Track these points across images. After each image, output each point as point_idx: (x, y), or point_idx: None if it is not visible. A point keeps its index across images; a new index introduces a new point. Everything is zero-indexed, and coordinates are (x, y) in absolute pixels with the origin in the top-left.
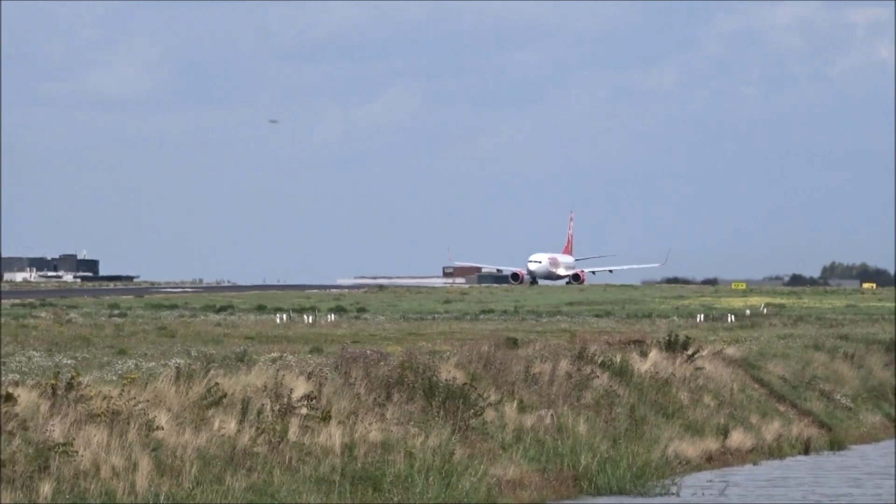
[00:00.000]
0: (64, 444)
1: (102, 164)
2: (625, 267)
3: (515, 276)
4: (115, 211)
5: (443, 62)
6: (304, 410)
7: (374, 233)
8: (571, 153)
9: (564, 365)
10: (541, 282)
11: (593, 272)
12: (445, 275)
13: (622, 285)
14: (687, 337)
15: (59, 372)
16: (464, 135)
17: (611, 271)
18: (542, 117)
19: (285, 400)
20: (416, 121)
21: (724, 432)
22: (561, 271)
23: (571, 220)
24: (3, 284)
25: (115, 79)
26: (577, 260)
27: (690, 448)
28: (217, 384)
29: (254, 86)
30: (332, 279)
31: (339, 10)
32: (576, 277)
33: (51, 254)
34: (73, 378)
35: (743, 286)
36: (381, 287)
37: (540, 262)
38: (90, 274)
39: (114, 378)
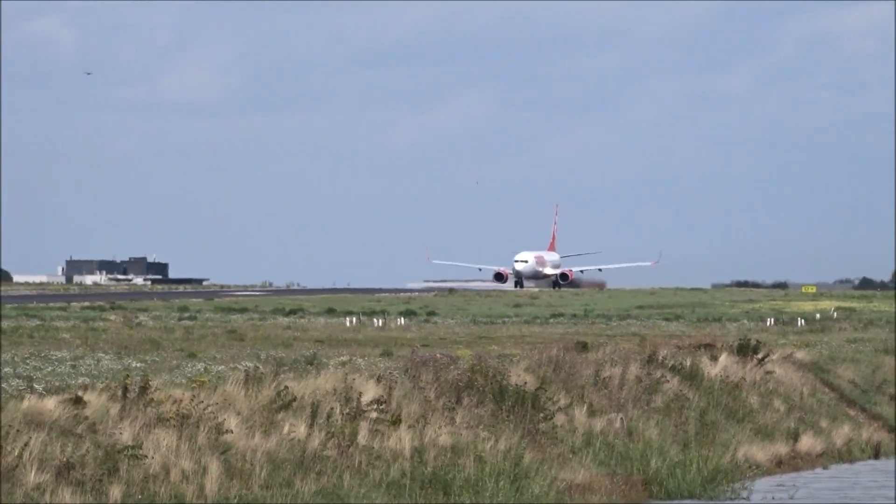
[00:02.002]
0: (133, 448)
1: (174, 168)
2: (614, 266)
3: (499, 276)
4: (186, 214)
5: (515, 67)
6: (373, 414)
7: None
8: (642, 158)
9: (634, 369)
10: (526, 282)
11: (581, 271)
12: None
13: (692, 289)
14: (758, 341)
15: (128, 375)
16: (535, 139)
17: (600, 269)
18: (614, 122)
19: (355, 403)
20: (489, 125)
21: (794, 436)
22: (548, 270)
23: (556, 214)
24: (73, 287)
25: (189, 84)
26: (562, 257)
27: (760, 452)
28: (287, 387)
29: (327, 91)
30: (402, 282)
31: (412, 15)
32: (563, 276)
33: (121, 257)
34: (142, 382)
35: (813, 290)
36: (451, 290)
37: (527, 262)
38: (160, 277)
39: (183, 381)
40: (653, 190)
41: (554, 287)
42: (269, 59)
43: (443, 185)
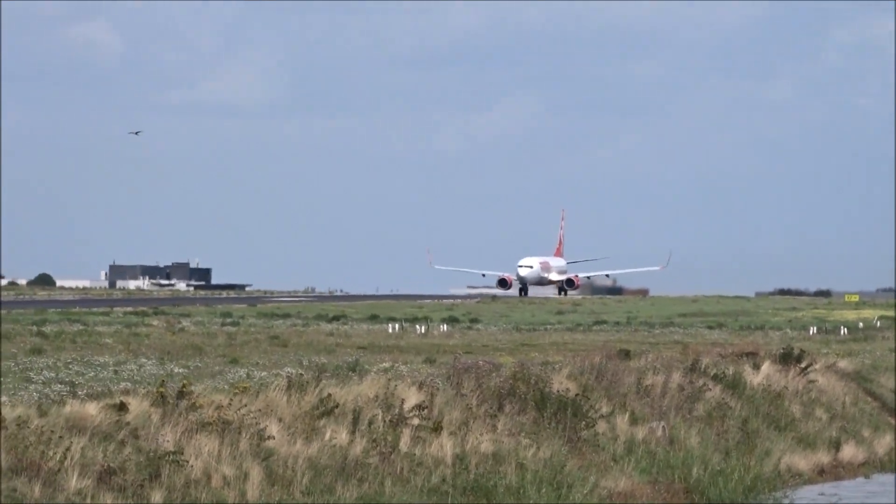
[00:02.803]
0: (175, 453)
1: (217, 172)
2: (622, 271)
3: (503, 282)
4: (229, 219)
5: (561, 70)
6: (415, 421)
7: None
8: (687, 163)
9: (677, 377)
10: (531, 290)
11: (588, 277)
12: None
13: (735, 297)
14: (801, 350)
15: (163, 383)
16: (581, 143)
17: (608, 275)
18: (660, 127)
19: (397, 410)
20: (534, 129)
21: (836, 445)
22: (553, 276)
23: (563, 219)
24: (116, 292)
25: (233, 87)
26: (569, 263)
27: (802, 461)
28: (329, 394)
29: (371, 94)
30: (445, 289)
31: (457, 19)
32: (569, 283)
33: (164, 262)
34: (184, 387)
35: (856, 298)
36: (493, 297)
37: (531, 267)
38: (203, 282)
39: (225, 387)
40: (694, 195)
41: (560, 293)
42: (314, 63)
43: (486, 187)
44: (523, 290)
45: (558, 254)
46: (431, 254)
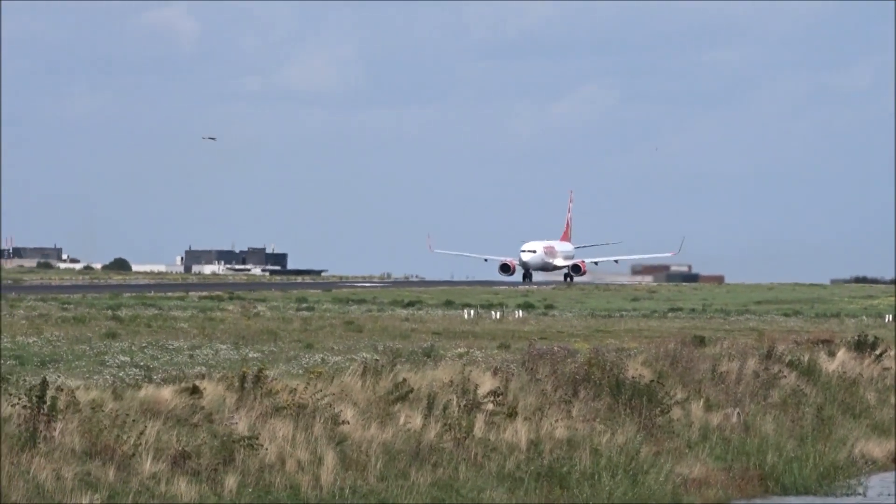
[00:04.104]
0: (249, 438)
1: (293, 159)
2: (632, 257)
3: (506, 268)
4: (305, 205)
5: (635, 62)
6: (490, 406)
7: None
8: (764, 154)
9: (752, 364)
10: (535, 274)
11: (596, 262)
12: (633, 273)
13: (811, 284)
14: (875, 337)
15: (245, 365)
16: (655, 133)
17: (616, 261)
18: (735, 117)
19: (471, 396)
20: (609, 119)
21: None
22: (558, 261)
23: (571, 201)
24: (191, 277)
25: (310, 75)
26: (576, 248)
27: (877, 448)
28: (404, 379)
29: (448, 83)
30: (520, 275)
31: (533, 8)
32: (576, 269)
33: (239, 247)
34: (259, 372)
35: None
36: (569, 284)
37: (534, 252)
38: (278, 267)
39: (300, 372)
40: (769, 185)
41: (565, 280)
42: (389, 52)
43: (560, 176)
44: (526, 275)
45: (565, 238)
46: (431, 238)
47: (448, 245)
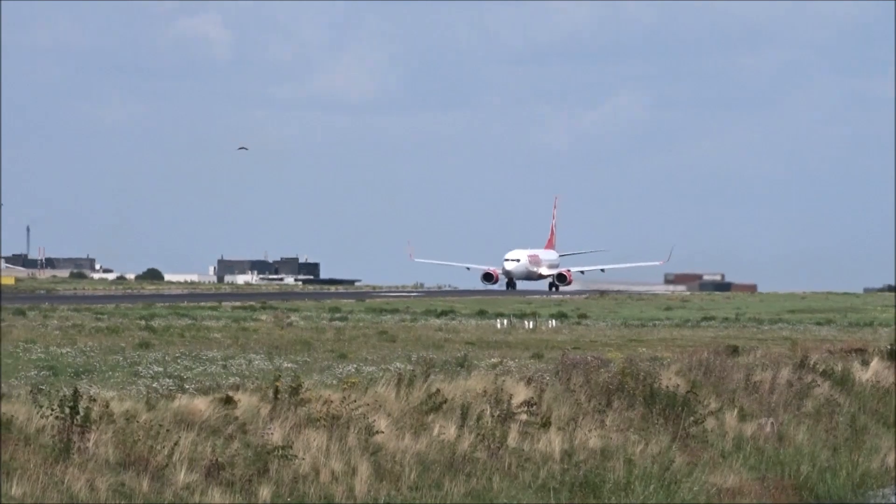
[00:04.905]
0: (283, 448)
1: (326, 167)
2: (618, 266)
3: (489, 277)
4: (338, 214)
5: (670, 66)
6: (523, 416)
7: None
8: (797, 160)
9: (785, 373)
10: (519, 283)
11: (582, 272)
12: (666, 282)
13: (844, 293)
14: None
15: (279, 376)
16: (689, 138)
17: (602, 270)
18: (771, 122)
19: (505, 406)
20: (643, 125)
21: None
22: (543, 270)
23: (555, 207)
24: (224, 286)
25: (343, 82)
26: (561, 256)
27: None
28: (437, 389)
29: (481, 89)
30: (504, 284)
31: (565, 14)
32: (561, 277)
33: (272, 256)
34: (294, 382)
35: None
36: (602, 293)
37: (518, 261)
38: (311, 277)
39: (334, 382)
40: (804, 191)
41: (550, 289)
42: (422, 59)
43: (594, 183)
44: (510, 284)
45: (550, 246)
46: (412, 246)
47: (478, 257)
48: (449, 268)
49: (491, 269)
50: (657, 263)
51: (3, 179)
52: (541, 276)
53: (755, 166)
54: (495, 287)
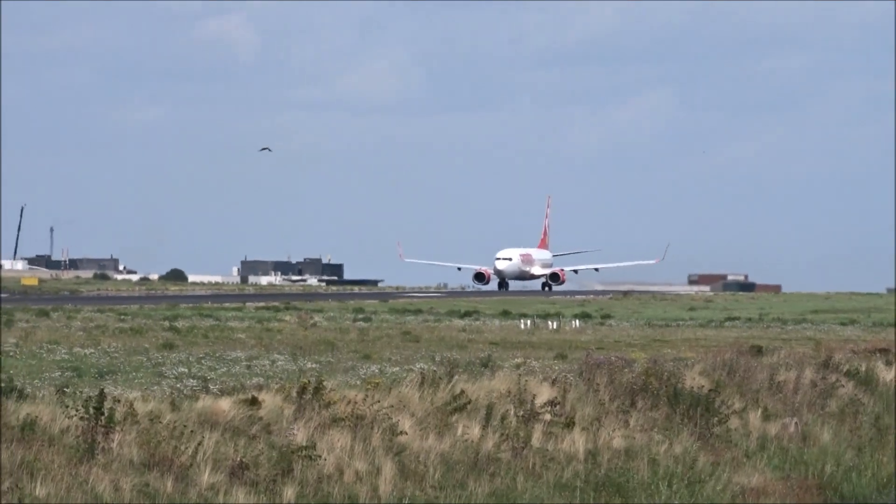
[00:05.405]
0: (307, 448)
1: (350, 168)
2: (613, 265)
3: (480, 276)
4: (361, 215)
5: (695, 69)
6: (547, 416)
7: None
8: (821, 162)
9: (809, 373)
10: (512, 283)
11: (575, 271)
12: (690, 282)
13: (867, 293)
14: None
15: (303, 377)
16: (715, 140)
17: (596, 269)
18: (797, 123)
19: (529, 406)
20: (669, 126)
21: None
22: (536, 270)
23: (548, 206)
24: (248, 287)
25: (368, 84)
26: (554, 256)
27: None
28: (461, 390)
29: (506, 91)
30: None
31: (592, 16)
32: (554, 277)
33: (295, 257)
34: (318, 383)
35: None
36: (625, 293)
37: (510, 260)
38: (335, 278)
39: (358, 383)
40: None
41: (543, 289)
42: (448, 60)
43: (621, 183)
44: (502, 284)
45: (543, 245)
46: (402, 246)
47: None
48: (440, 268)
49: (482, 268)
50: (651, 262)
51: (27, 181)
52: (533, 276)
53: (781, 167)
54: (486, 287)
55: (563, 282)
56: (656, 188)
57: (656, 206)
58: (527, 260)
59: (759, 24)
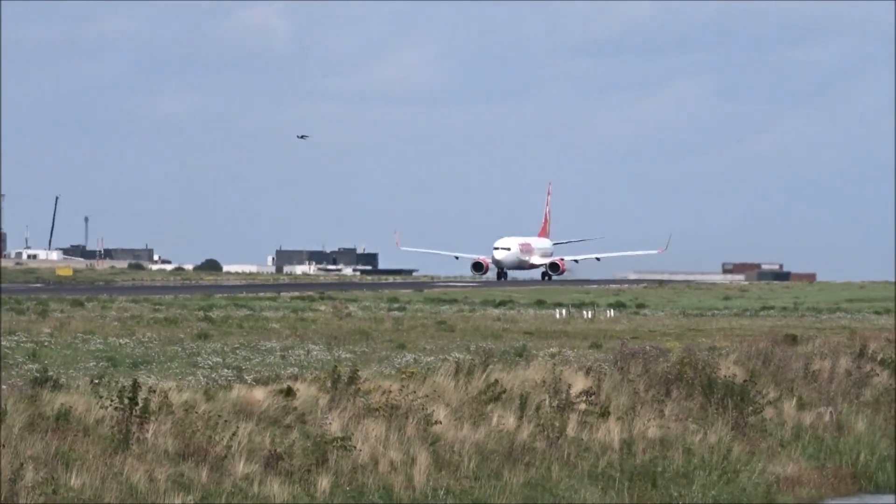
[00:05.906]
0: (342, 439)
1: (385, 158)
2: (614, 254)
3: (478, 266)
4: (396, 204)
5: (732, 58)
6: (582, 406)
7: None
8: (856, 151)
9: (844, 362)
10: (511, 273)
11: (576, 261)
12: (724, 271)
13: None
14: None
15: (337, 366)
16: (750, 130)
17: (598, 259)
18: (831, 113)
19: (564, 395)
20: (704, 116)
21: None
22: (535, 259)
23: (549, 193)
24: (283, 277)
25: (403, 74)
26: (555, 244)
27: None
28: (496, 379)
29: (540, 81)
30: (612, 273)
31: (627, 7)
32: (554, 267)
33: (330, 247)
34: (352, 372)
35: None
36: (660, 283)
37: (509, 249)
38: (369, 267)
39: (392, 372)
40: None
41: (543, 279)
42: (482, 50)
43: (651, 174)
44: (501, 274)
45: (543, 233)
46: (398, 235)
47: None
48: (437, 256)
49: (481, 258)
50: (654, 252)
51: (62, 171)
52: (532, 266)
53: (815, 156)
54: (484, 278)
55: (563, 272)
56: (690, 177)
57: (690, 194)
58: (526, 249)
59: (795, 14)
